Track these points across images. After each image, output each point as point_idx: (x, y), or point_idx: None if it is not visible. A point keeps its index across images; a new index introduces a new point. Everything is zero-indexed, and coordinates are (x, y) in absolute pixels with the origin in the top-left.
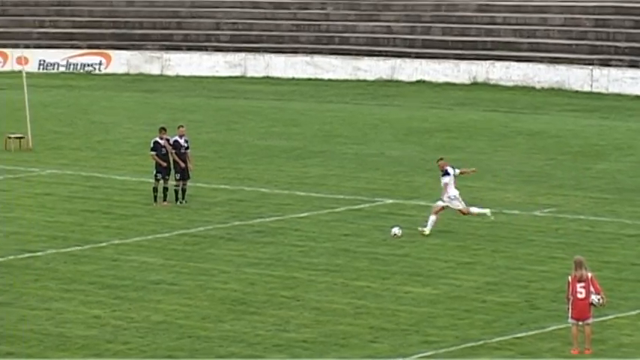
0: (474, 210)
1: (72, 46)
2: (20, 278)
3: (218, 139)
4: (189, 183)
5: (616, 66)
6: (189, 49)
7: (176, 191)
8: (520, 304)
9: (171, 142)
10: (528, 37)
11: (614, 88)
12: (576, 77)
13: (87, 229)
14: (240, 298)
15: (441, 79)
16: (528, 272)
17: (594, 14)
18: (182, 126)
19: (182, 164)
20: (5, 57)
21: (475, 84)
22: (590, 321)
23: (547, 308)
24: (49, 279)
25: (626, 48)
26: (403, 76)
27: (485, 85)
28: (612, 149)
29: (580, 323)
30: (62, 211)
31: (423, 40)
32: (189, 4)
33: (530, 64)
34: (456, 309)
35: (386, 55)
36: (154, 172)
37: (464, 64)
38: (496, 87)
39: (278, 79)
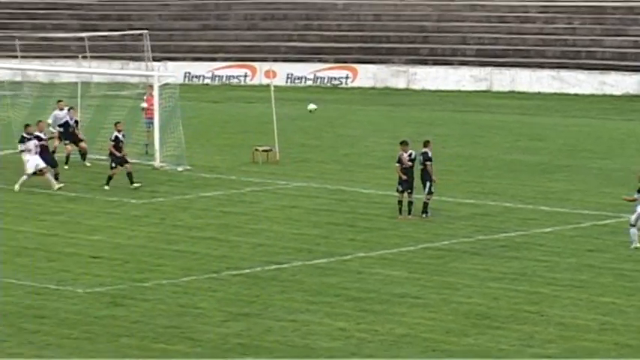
0: None
1: (319, 60)
2: (267, 290)
3: (463, 153)
4: (433, 197)
5: None
6: (435, 63)
7: (425, 204)
8: None
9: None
10: None
11: None
12: None
13: (332, 242)
14: (484, 313)
15: None
16: None
17: None
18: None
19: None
20: (254, 71)
21: None
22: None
23: None
24: (295, 291)
25: None
26: None
27: None
28: None
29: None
30: (308, 224)
31: None
32: (435, 18)
33: None
34: None
35: (633, 70)
36: (397, 184)
37: None
38: None
39: (523, 93)
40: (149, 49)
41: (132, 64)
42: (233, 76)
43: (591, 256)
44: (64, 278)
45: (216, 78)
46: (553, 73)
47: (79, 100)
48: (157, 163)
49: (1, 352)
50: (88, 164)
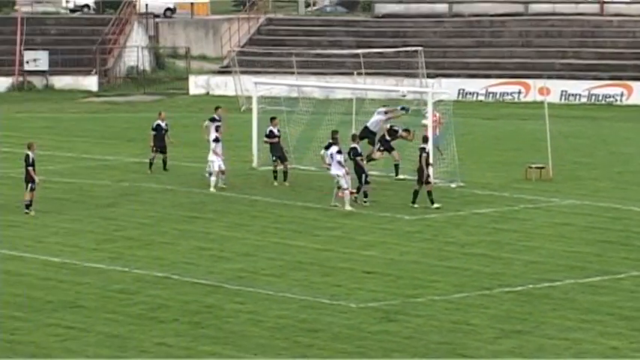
0: None
1: (594, 77)
2: (539, 307)
3: None
4: None
5: None
6: None
7: None
8: None
9: None
10: None
11: None
12: None
13: (605, 260)
14: None
15: None
16: None
17: None
18: None
19: None
20: (527, 87)
21: None
22: None
23: None
24: (568, 309)
25: None
26: None
27: None
28: None
29: None
30: (580, 242)
31: None
32: None
33: None
34: None
35: None
36: None
37: None
38: None
39: None
40: (423, 65)
41: (406, 81)
42: (507, 93)
43: None
44: (338, 293)
45: (490, 95)
46: None
47: (353, 116)
48: (430, 179)
49: None
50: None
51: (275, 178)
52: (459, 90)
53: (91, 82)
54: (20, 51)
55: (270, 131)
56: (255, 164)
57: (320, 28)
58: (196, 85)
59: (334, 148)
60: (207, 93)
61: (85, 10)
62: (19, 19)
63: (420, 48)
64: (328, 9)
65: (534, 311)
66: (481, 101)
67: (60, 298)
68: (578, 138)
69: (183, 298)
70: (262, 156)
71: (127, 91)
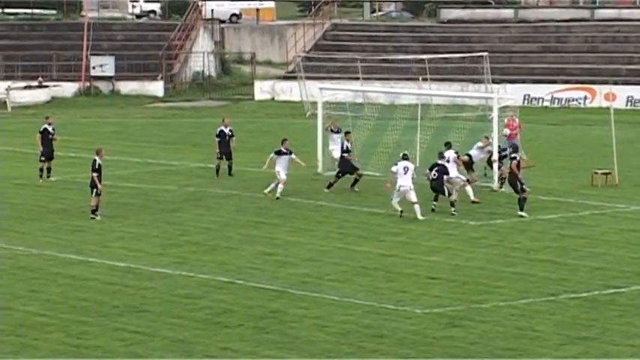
0: None
1: None
2: (604, 314)
3: None
4: None
5: None
6: None
7: None
8: None
9: None
10: None
11: None
12: None
13: None
14: None
15: None
16: None
17: None
18: None
19: None
20: (593, 93)
21: None
22: None
23: None
24: (633, 315)
25: None
26: None
27: None
28: None
29: None
30: None
31: None
32: None
33: None
34: None
35: None
36: None
37: None
38: None
39: None
40: (489, 71)
41: (471, 86)
42: (572, 99)
43: None
44: (403, 298)
45: (556, 100)
46: None
47: (418, 121)
48: (495, 185)
49: None
50: None
51: (328, 187)
52: (525, 95)
53: (156, 88)
54: (87, 56)
55: (346, 146)
56: (320, 169)
57: (385, 34)
58: (262, 90)
59: (408, 163)
60: (273, 98)
61: (151, 15)
62: (85, 25)
63: (485, 53)
64: (394, 14)
65: (600, 317)
66: (546, 107)
67: (125, 303)
68: None
69: (247, 303)
70: (327, 161)
71: (193, 97)
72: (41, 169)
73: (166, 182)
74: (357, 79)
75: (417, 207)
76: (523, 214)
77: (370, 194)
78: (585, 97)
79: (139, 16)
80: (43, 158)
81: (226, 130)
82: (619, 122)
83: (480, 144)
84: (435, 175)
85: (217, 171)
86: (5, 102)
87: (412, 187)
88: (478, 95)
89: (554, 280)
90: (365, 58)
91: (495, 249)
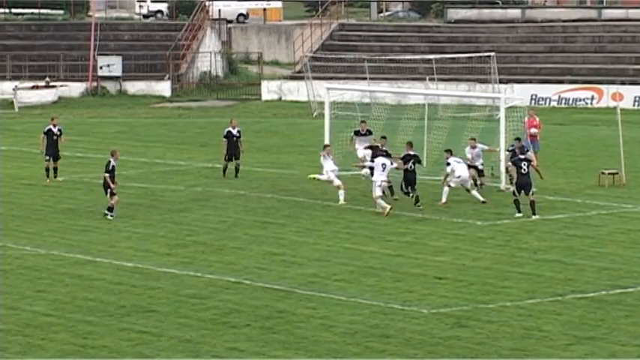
0: None
1: None
2: (612, 314)
3: None
4: None
5: None
6: None
7: None
8: None
9: None
10: None
11: None
12: None
13: None
14: None
15: None
16: None
17: None
18: None
19: None
20: (600, 93)
21: None
22: None
23: None
24: None
25: None
26: None
27: None
28: None
29: None
30: None
31: None
32: None
33: None
34: None
35: None
36: None
37: None
38: None
39: None
40: (496, 71)
41: (479, 87)
42: (579, 99)
43: None
44: (410, 298)
45: (563, 100)
46: None
47: (425, 122)
48: (502, 185)
49: None
50: None
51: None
52: (532, 95)
53: (164, 88)
54: (94, 56)
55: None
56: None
57: (392, 34)
58: (269, 90)
59: (386, 160)
60: (280, 98)
61: (159, 15)
62: (92, 25)
63: (492, 53)
64: (401, 14)
65: (607, 318)
66: (553, 107)
67: (132, 303)
68: None
69: (255, 303)
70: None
71: (200, 97)
72: (47, 169)
73: (173, 182)
74: (365, 79)
75: (379, 201)
76: (537, 216)
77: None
78: (592, 97)
79: (146, 16)
80: (47, 158)
81: (234, 132)
82: (626, 122)
83: (467, 148)
84: (411, 166)
85: (224, 171)
86: (12, 102)
87: (386, 184)
88: (485, 95)
89: (561, 280)
90: (372, 58)
91: (502, 249)
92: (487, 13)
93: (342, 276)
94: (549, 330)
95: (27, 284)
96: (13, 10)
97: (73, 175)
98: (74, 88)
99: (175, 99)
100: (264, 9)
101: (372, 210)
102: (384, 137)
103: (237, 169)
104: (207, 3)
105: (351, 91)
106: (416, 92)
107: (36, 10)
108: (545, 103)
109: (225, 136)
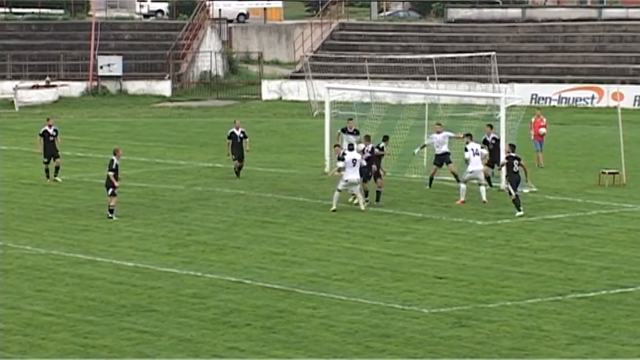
0: None
1: None
2: (612, 313)
3: None
4: None
5: None
6: None
7: None
8: None
9: None
10: None
11: None
12: None
13: None
14: None
15: None
16: None
17: None
18: None
19: None
20: (601, 93)
21: None
22: None
23: None
24: None
25: None
26: None
27: None
28: None
29: None
30: None
31: None
32: None
33: None
34: None
35: None
36: None
37: None
38: None
39: None
40: (496, 71)
41: (479, 86)
42: (580, 99)
43: None
44: (410, 298)
45: (563, 100)
46: None
47: (425, 121)
48: (502, 184)
49: None
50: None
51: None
52: (532, 95)
53: (164, 87)
54: (94, 56)
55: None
56: (327, 169)
57: (393, 33)
58: (269, 90)
59: (356, 155)
60: (280, 98)
61: (159, 15)
62: (93, 25)
63: (492, 53)
64: (401, 14)
65: (607, 317)
66: (554, 106)
67: (133, 302)
68: None
69: (255, 303)
70: (333, 161)
71: (200, 96)
72: (47, 170)
73: (174, 182)
74: (365, 78)
75: (360, 200)
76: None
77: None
78: (593, 97)
79: (146, 16)
80: (46, 160)
81: (237, 132)
82: (626, 122)
83: (433, 134)
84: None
85: (236, 172)
86: (13, 102)
87: (360, 180)
88: (485, 95)
89: (562, 279)
90: (372, 58)
91: (502, 249)
92: (487, 12)
93: (343, 275)
94: (550, 329)
95: (27, 284)
96: (14, 10)
97: (74, 174)
98: (74, 88)
99: (176, 99)
100: (265, 8)
101: (372, 209)
102: (386, 137)
103: (239, 169)
104: (207, 2)
105: (352, 90)
106: (416, 92)
107: (36, 10)
108: (545, 103)
109: (228, 137)
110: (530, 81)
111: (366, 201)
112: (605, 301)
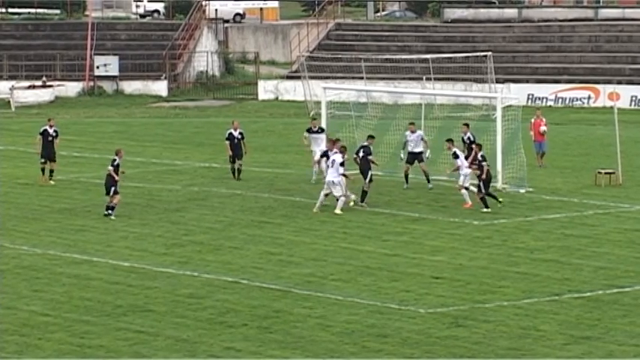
0: None
1: None
2: (608, 313)
3: None
4: None
5: None
6: None
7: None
8: None
9: None
10: None
11: None
12: None
13: None
14: None
15: None
16: None
17: None
18: None
19: None
20: (597, 93)
21: None
22: None
23: None
24: (637, 315)
25: None
26: None
27: None
28: None
29: None
30: None
31: None
32: None
33: None
34: None
35: None
36: None
37: None
38: None
39: None
40: (492, 71)
41: (475, 86)
42: (576, 99)
43: None
44: (406, 298)
45: (559, 100)
46: None
47: (422, 121)
48: (499, 184)
49: None
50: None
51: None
52: (528, 95)
53: (160, 87)
54: (91, 56)
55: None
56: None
57: (389, 34)
58: (265, 90)
59: (336, 156)
60: (277, 98)
61: (155, 15)
62: (89, 25)
63: (488, 53)
64: (397, 14)
65: (604, 317)
66: (550, 106)
67: (129, 303)
68: None
69: (251, 303)
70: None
71: (197, 96)
72: (42, 170)
73: (170, 182)
74: (361, 78)
75: (340, 201)
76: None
77: (373, 194)
78: (589, 97)
79: (142, 16)
80: (43, 160)
81: (235, 133)
82: (623, 122)
83: (407, 132)
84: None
85: (234, 173)
86: (9, 102)
87: (338, 181)
88: (482, 95)
89: (558, 279)
90: (369, 58)
91: (499, 249)
92: (484, 12)
93: (339, 275)
94: (546, 329)
95: (24, 284)
96: (10, 10)
97: (70, 174)
98: (71, 88)
99: (172, 98)
100: (261, 8)
101: (369, 209)
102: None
103: (239, 171)
104: (203, 2)
105: (348, 90)
106: (412, 92)
107: (32, 10)
108: (541, 103)
109: (227, 138)
110: (527, 81)
111: (363, 205)
112: (602, 301)
